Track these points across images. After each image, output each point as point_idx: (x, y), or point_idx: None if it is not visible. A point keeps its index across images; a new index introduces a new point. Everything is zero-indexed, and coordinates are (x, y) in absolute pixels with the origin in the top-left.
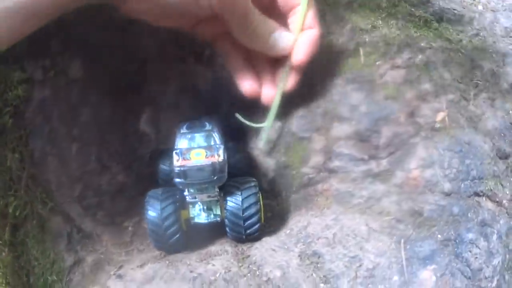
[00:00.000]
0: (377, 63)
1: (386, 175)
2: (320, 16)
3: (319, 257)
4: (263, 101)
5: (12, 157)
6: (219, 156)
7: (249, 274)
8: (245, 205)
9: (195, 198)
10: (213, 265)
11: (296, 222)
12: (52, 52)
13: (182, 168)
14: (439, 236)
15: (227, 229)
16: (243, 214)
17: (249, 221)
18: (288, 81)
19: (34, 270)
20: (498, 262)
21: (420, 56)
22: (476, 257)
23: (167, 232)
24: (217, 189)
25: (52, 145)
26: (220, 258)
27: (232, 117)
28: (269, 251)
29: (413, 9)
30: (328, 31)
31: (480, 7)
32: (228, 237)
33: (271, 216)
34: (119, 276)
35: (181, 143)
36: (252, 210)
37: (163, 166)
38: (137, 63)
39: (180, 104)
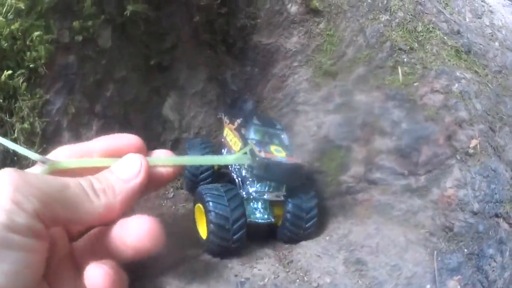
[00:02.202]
0: (415, 84)
1: (423, 191)
2: (359, 29)
3: (363, 264)
4: None
5: (21, 127)
6: (297, 158)
7: (298, 280)
8: (307, 198)
9: (264, 195)
10: (259, 269)
11: (335, 229)
12: (83, 14)
13: (267, 161)
14: (465, 250)
15: (287, 225)
16: (306, 205)
17: (310, 214)
18: None
19: None
20: (508, 275)
21: (456, 85)
22: (493, 270)
23: (234, 226)
24: (284, 190)
25: (70, 120)
26: (263, 262)
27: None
28: (314, 257)
29: (445, 38)
30: (367, 45)
31: (497, 44)
32: (282, 237)
33: None
34: (150, 277)
35: (254, 134)
36: (312, 203)
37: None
38: (169, 43)
39: (207, 94)
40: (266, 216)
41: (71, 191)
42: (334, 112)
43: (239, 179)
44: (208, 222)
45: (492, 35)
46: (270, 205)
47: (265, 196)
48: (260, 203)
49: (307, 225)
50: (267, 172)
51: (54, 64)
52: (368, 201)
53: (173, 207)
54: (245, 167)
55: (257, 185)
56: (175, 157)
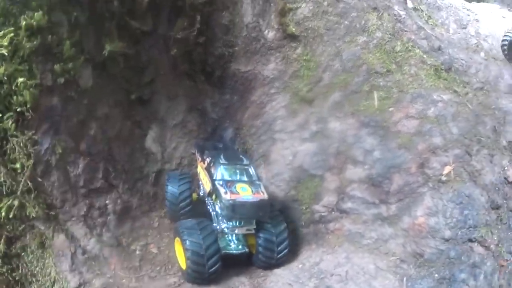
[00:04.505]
0: (390, 109)
1: (394, 219)
2: (335, 53)
3: None
4: None
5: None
6: (264, 193)
7: None
8: (277, 231)
9: (235, 231)
10: None
11: (308, 257)
12: (64, 56)
13: (232, 202)
14: (436, 275)
15: (260, 255)
16: (276, 239)
17: (281, 247)
18: None
19: (31, 286)
20: None
21: (432, 109)
22: None
23: (209, 262)
24: (254, 224)
25: (58, 159)
26: None
27: (238, 142)
28: (286, 286)
29: (425, 56)
30: (344, 69)
31: (482, 54)
32: (257, 264)
33: None
34: None
35: (221, 174)
36: (283, 236)
37: (172, 188)
38: (148, 76)
39: (187, 124)
40: (240, 247)
41: None
42: (309, 141)
43: (214, 213)
44: (186, 258)
45: (477, 46)
46: (244, 236)
47: (236, 231)
48: (233, 236)
49: (278, 256)
50: (234, 212)
51: (39, 107)
52: (339, 230)
53: (158, 236)
54: (217, 203)
55: (228, 222)
56: None
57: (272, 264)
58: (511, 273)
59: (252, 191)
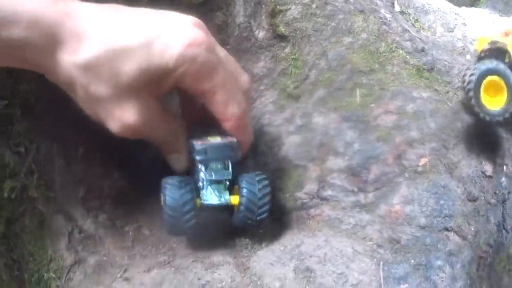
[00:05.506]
0: (372, 105)
1: (371, 207)
2: (321, 53)
3: (311, 272)
4: None
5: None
6: (233, 139)
7: (251, 284)
8: (260, 186)
9: (212, 176)
10: (219, 274)
11: (290, 240)
12: None
13: (203, 146)
14: (412, 261)
15: (241, 209)
16: (259, 193)
17: (262, 201)
18: None
19: (28, 265)
20: (461, 285)
21: (411, 105)
22: (442, 280)
23: (185, 217)
24: (231, 168)
25: (60, 146)
26: (224, 268)
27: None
28: (267, 265)
29: (408, 57)
30: (329, 68)
31: (468, 57)
32: (236, 223)
33: (263, 233)
34: (127, 279)
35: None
36: (266, 190)
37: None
38: None
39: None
40: (222, 199)
41: None
42: (294, 134)
43: (196, 176)
44: (164, 212)
45: (463, 48)
46: (225, 188)
47: (213, 177)
48: (212, 190)
49: (259, 211)
50: (207, 155)
51: (44, 97)
52: (319, 215)
53: (150, 219)
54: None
55: (205, 171)
56: None
57: (253, 221)
58: (491, 266)
59: (221, 137)
